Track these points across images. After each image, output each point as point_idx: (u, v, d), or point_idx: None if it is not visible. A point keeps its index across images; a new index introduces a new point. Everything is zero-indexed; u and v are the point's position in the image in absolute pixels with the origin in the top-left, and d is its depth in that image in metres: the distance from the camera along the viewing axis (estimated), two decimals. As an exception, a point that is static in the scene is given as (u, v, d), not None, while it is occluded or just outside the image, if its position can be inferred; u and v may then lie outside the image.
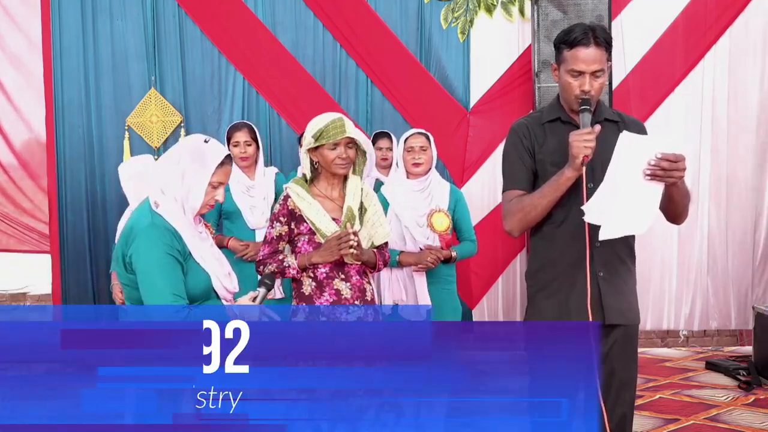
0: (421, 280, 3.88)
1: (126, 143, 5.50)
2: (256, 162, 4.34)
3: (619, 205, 2.42)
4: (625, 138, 2.42)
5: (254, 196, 4.24)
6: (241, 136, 4.28)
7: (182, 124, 5.49)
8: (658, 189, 2.42)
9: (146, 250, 2.32)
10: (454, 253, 3.92)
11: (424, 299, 3.85)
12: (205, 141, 2.45)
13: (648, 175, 2.38)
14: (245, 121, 4.58)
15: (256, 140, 4.32)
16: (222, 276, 2.50)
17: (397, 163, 4.14)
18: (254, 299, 2.53)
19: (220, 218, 4.34)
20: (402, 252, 3.88)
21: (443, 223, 3.89)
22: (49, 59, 5.53)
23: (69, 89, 5.55)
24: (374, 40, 5.61)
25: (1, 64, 5.62)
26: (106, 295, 5.60)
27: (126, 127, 5.52)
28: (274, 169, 4.49)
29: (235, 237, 4.20)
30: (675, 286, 5.85)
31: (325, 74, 5.66)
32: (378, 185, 4.33)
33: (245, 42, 5.58)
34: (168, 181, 2.39)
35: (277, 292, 4.10)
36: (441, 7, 5.65)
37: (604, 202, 2.42)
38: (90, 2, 5.53)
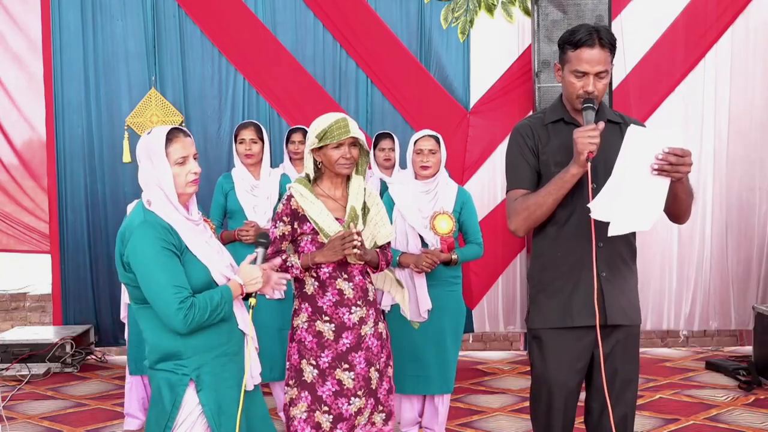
0: (421, 282, 3.85)
1: (126, 143, 5.49)
2: (261, 161, 4.35)
3: (626, 202, 2.41)
4: (633, 132, 2.40)
5: (257, 196, 4.26)
6: (247, 134, 4.30)
7: (183, 124, 5.47)
8: (664, 185, 2.41)
9: (142, 247, 2.31)
10: (454, 256, 3.88)
11: (425, 300, 3.83)
12: (148, 134, 2.44)
13: (655, 169, 2.38)
14: (253, 120, 4.58)
15: (262, 139, 4.33)
16: (223, 267, 2.50)
17: (405, 164, 4.11)
18: (254, 261, 2.54)
19: (225, 217, 4.36)
20: (403, 253, 3.87)
21: (446, 225, 3.86)
22: (49, 59, 5.53)
23: (69, 89, 5.55)
24: (374, 40, 5.61)
25: (1, 64, 5.63)
26: (107, 295, 5.60)
27: (126, 127, 5.52)
28: (280, 170, 4.49)
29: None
30: (675, 286, 5.84)
31: (325, 74, 5.66)
32: (384, 187, 4.31)
33: (245, 42, 5.57)
34: (148, 186, 2.40)
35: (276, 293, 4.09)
36: (441, 7, 5.65)
37: (611, 198, 2.41)
38: (90, 2, 5.54)
